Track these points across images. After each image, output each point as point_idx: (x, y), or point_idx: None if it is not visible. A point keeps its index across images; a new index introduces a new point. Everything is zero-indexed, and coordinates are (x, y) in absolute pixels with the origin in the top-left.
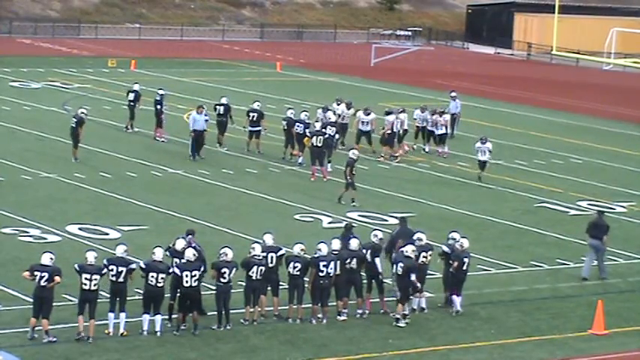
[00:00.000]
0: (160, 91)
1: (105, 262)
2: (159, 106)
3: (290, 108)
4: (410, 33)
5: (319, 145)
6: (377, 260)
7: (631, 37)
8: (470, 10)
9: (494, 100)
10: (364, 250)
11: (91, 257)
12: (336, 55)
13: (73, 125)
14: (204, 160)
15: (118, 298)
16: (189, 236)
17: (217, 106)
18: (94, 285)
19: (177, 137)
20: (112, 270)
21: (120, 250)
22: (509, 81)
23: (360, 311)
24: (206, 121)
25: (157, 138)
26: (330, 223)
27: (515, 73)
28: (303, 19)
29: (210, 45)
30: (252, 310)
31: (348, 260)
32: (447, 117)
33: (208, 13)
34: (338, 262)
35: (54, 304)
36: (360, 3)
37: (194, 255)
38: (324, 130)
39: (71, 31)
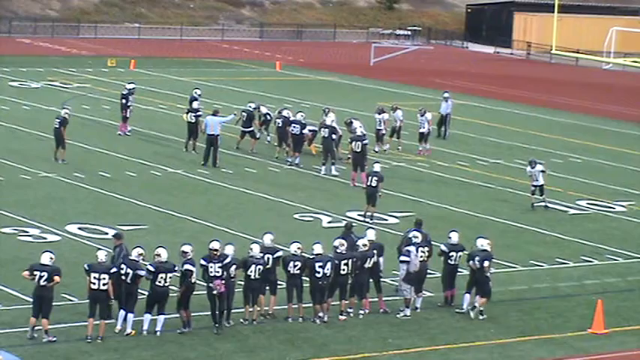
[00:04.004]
0: (129, 85)
1: (120, 260)
2: (124, 100)
3: (285, 107)
4: (409, 32)
5: (358, 150)
6: (381, 260)
7: (630, 36)
8: (469, 10)
9: (493, 99)
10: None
11: (101, 256)
12: (336, 55)
13: (57, 126)
14: (217, 167)
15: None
16: (117, 239)
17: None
18: (103, 285)
19: (177, 137)
20: (122, 269)
21: (134, 254)
22: (509, 80)
23: (361, 311)
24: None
25: (119, 132)
26: (329, 222)
27: (514, 73)
28: (302, 18)
29: (210, 44)
30: (251, 309)
31: (356, 259)
32: (429, 116)
33: (208, 12)
34: (350, 261)
35: (54, 303)
36: (360, 2)
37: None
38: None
39: (70, 31)
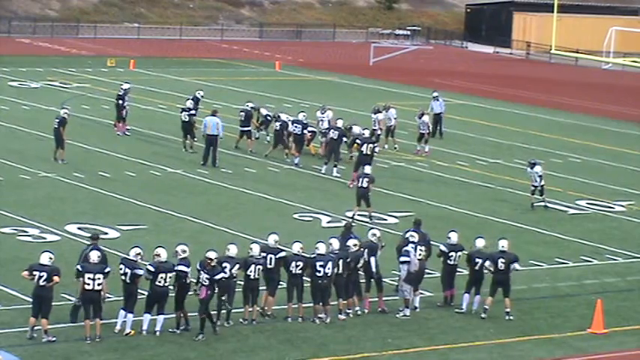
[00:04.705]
0: (125, 85)
1: (120, 260)
2: (120, 101)
3: (282, 112)
4: (409, 32)
5: (368, 153)
6: (372, 260)
7: (630, 36)
8: (469, 10)
9: (493, 99)
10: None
11: (93, 256)
12: (335, 55)
13: (56, 126)
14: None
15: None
16: (91, 239)
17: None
18: (98, 285)
19: (176, 137)
20: (120, 269)
21: (132, 253)
22: (508, 80)
23: (357, 308)
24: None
25: (119, 132)
26: (329, 222)
27: (514, 73)
28: (301, 18)
29: (209, 44)
30: (250, 309)
31: (349, 259)
32: (426, 118)
33: (207, 12)
34: (341, 261)
35: (53, 303)
36: (359, 2)
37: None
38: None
39: (70, 31)
